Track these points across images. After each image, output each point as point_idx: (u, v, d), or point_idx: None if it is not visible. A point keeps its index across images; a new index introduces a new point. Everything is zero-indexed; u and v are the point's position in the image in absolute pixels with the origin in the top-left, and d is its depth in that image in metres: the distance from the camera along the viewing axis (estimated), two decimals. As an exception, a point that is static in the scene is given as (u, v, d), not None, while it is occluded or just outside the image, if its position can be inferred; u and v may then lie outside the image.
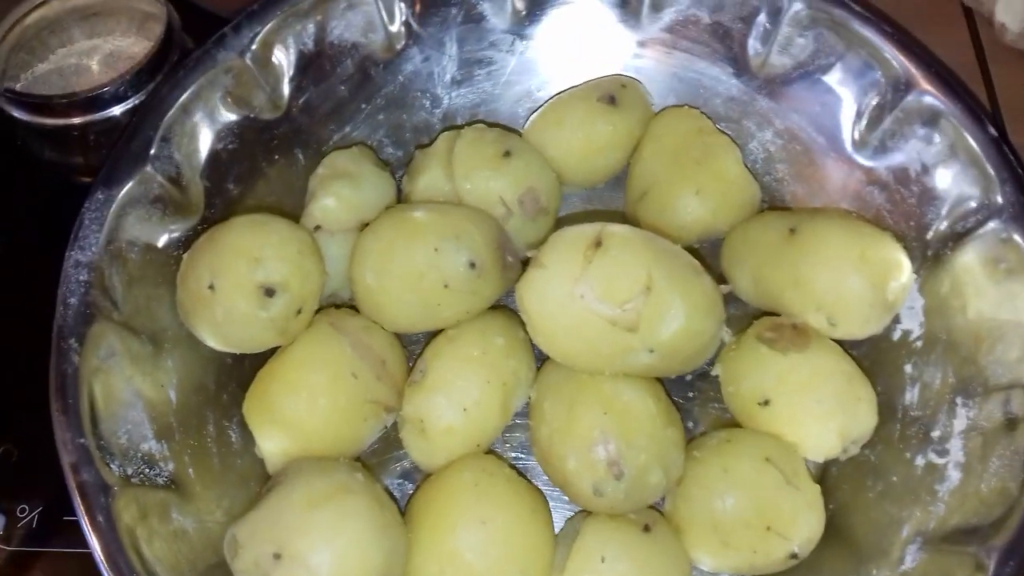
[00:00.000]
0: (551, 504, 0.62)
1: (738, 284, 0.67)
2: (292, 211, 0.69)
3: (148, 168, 0.62)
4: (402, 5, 0.71)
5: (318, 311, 0.63)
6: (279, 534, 0.51)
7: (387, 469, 0.66)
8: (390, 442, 0.65)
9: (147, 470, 0.57)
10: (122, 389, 0.58)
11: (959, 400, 0.59)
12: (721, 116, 0.73)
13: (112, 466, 0.55)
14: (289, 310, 0.59)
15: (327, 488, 0.53)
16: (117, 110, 0.72)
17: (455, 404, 0.60)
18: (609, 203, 0.75)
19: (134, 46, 0.78)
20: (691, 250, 0.66)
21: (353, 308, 0.65)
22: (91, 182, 0.61)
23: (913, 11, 0.79)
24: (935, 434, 0.59)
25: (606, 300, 0.55)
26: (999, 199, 0.60)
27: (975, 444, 0.57)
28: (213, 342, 0.61)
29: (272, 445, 0.59)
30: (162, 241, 0.63)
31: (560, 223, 0.70)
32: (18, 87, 0.75)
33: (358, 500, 0.53)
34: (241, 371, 0.64)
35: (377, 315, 0.62)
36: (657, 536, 0.57)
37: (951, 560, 0.54)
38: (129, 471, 0.56)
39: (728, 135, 0.71)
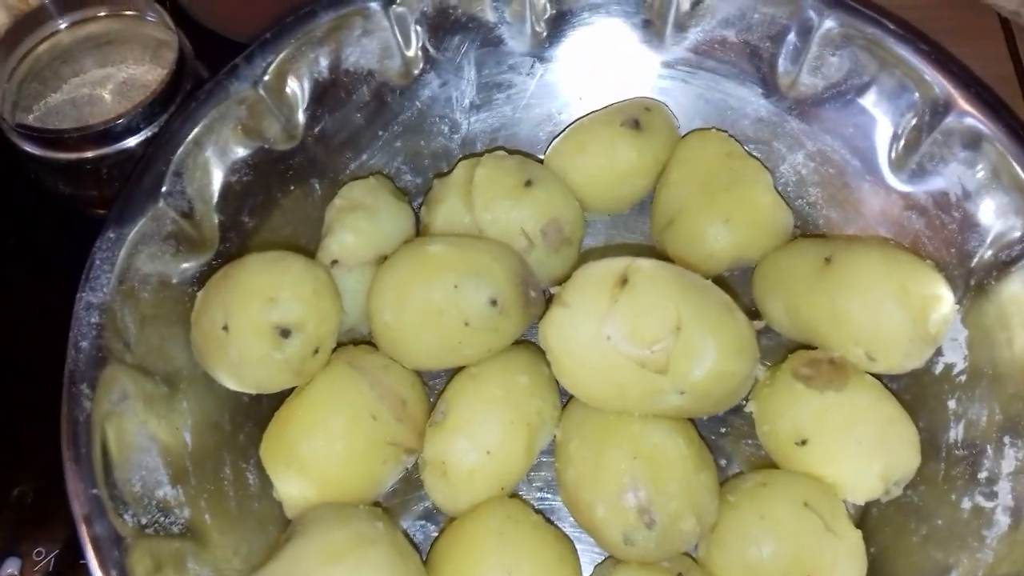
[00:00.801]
0: (580, 547, 0.60)
1: (771, 315, 0.65)
2: (309, 242, 0.67)
3: (160, 204, 0.60)
4: (419, 29, 0.69)
5: (336, 348, 0.61)
6: (297, 589, 0.50)
7: (408, 510, 0.64)
8: (411, 482, 0.63)
9: (162, 518, 0.55)
10: (136, 434, 0.56)
11: (1007, 439, 0.56)
12: (750, 138, 0.71)
13: (126, 516, 0.53)
14: (305, 351, 0.57)
15: (346, 540, 0.51)
16: (131, 142, 0.70)
17: (478, 446, 0.58)
18: (634, 228, 0.73)
19: (147, 74, 0.76)
20: (720, 279, 0.65)
21: (372, 344, 0.63)
22: (104, 215, 0.59)
23: (948, 25, 0.76)
24: (982, 475, 0.57)
25: (634, 341, 0.52)
26: (1045, 226, 0.57)
27: (1025, 487, 0.54)
28: (229, 383, 0.59)
29: (290, 489, 0.58)
30: (176, 278, 0.61)
31: (584, 255, 0.67)
32: (31, 118, 0.74)
33: (378, 552, 0.51)
34: (259, 410, 0.63)
35: (396, 353, 0.60)
36: (690, 585, 0.54)
37: (1001, 613, 0.51)
38: (143, 520, 0.54)
39: (758, 158, 0.69)
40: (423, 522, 0.64)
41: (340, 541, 0.51)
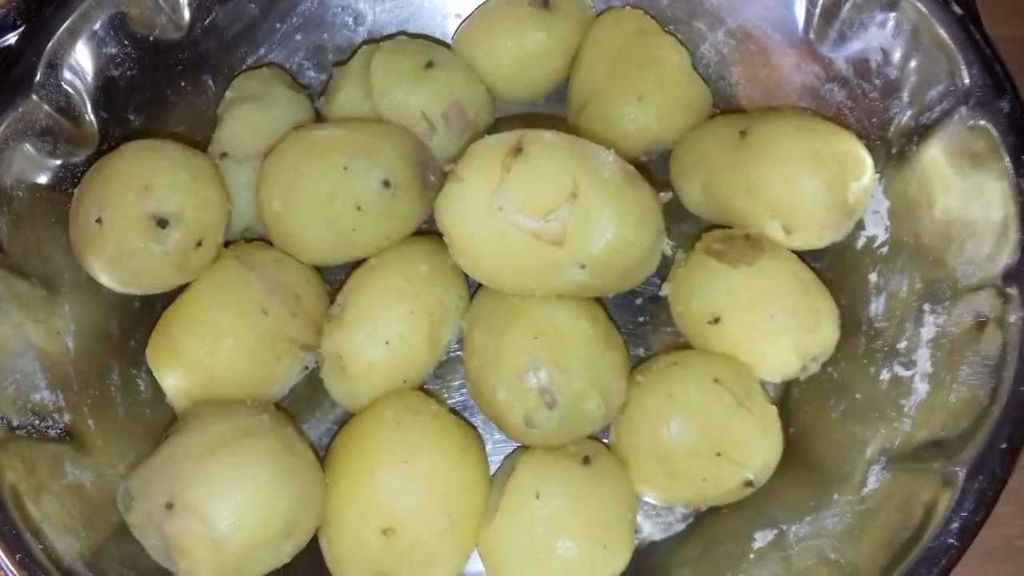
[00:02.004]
0: (492, 444, 0.57)
1: (688, 196, 0.62)
2: (203, 142, 0.64)
3: (33, 97, 0.56)
4: (311, -90, 0.65)
5: (228, 245, 0.58)
6: (172, 484, 0.47)
7: (317, 414, 0.62)
8: (320, 385, 0.60)
9: (37, 421, 0.52)
10: (9, 337, 0.53)
11: (927, 307, 0.54)
12: (668, 18, 0.67)
13: (-5, 418, 0.50)
14: (186, 242, 0.54)
15: (226, 432, 0.49)
16: (9, 39, 0.65)
17: (376, 338, 0.55)
18: (550, 121, 0.69)
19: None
20: (637, 164, 0.61)
21: (268, 242, 0.59)
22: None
23: None
24: (901, 345, 0.54)
25: (528, 211, 0.49)
26: (966, 82, 0.55)
27: (943, 352, 0.52)
28: (108, 281, 0.56)
29: (176, 387, 0.55)
30: (54, 177, 0.58)
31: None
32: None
33: (261, 444, 0.49)
34: (152, 316, 0.59)
35: (289, 245, 0.57)
36: (598, 468, 0.52)
37: (916, 478, 0.49)
38: (16, 423, 0.51)
39: (675, 36, 0.65)
40: (332, 426, 0.61)
41: (220, 433, 0.49)
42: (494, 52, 0.64)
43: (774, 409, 0.53)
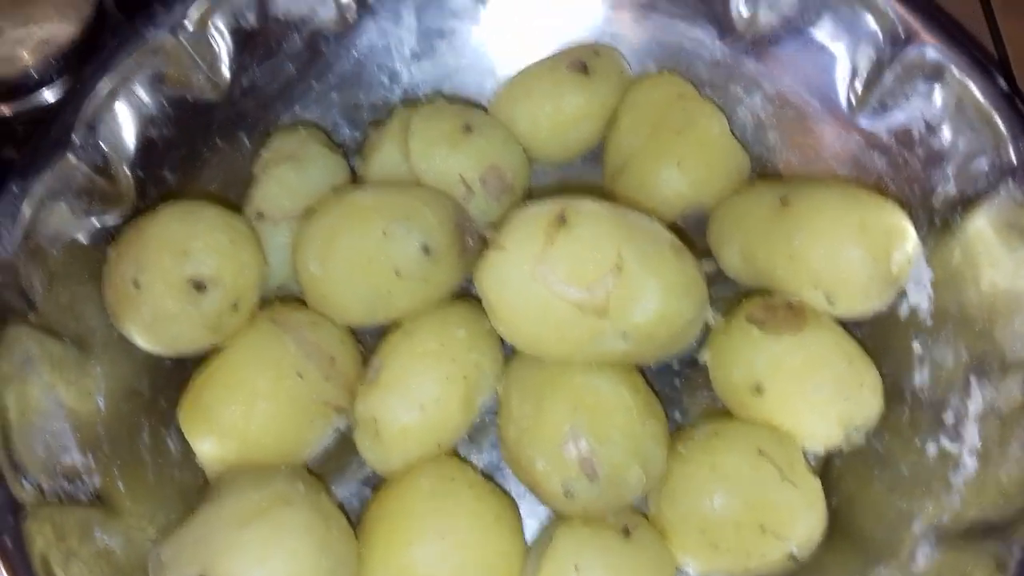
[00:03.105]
0: (526, 509, 0.56)
1: (728, 262, 0.61)
2: (238, 200, 0.63)
3: (70, 157, 0.57)
4: (352, -25, 0.65)
5: (263, 306, 0.58)
6: (206, 554, 0.46)
7: (346, 475, 0.60)
8: (350, 445, 0.59)
9: (67, 485, 0.51)
10: (41, 398, 0.52)
11: (973, 380, 0.53)
12: (705, 82, 0.67)
13: (25, 482, 0.49)
14: (223, 305, 0.53)
15: (261, 501, 0.48)
16: (48, 97, 0.66)
17: (411, 402, 0.54)
18: (586, 179, 0.69)
19: (69, 30, 0.72)
20: (674, 228, 0.61)
21: (303, 302, 0.59)
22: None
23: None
24: (948, 418, 0.53)
25: (572, 282, 0.49)
26: (1012, 158, 0.54)
27: (992, 428, 0.51)
28: (144, 343, 0.55)
29: (210, 452, 0.54)
30: (89, 235, 0.58)
31: (530, 200, 0.64)
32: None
33: (296, 514, 0.48)
34: (182, 375, 0.58)
35: (325, 307, 0.57)
36: (638, 540, 0.51)
37: (968, 558, 0.48)
38: (46, 487, 0.50)
39: (713, 101, 0.65)
40: (361, 487, 0.60)
41: (255, 502, 0.48)
42: (532, 115, 0.64)
43: (818, 482, 0.52)
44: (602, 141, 0.67)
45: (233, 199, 0.63)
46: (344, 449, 0.59)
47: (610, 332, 0.50)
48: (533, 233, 0.50)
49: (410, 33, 0.69)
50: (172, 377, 0.59)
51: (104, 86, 0.58)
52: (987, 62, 0.57)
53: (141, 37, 0.60)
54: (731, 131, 0.64)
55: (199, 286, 0.53)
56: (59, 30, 0.72)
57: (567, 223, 0.50)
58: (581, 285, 0.49)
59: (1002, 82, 0.56)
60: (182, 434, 0.56)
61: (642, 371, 0.56)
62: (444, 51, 0.70)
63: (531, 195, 0.64)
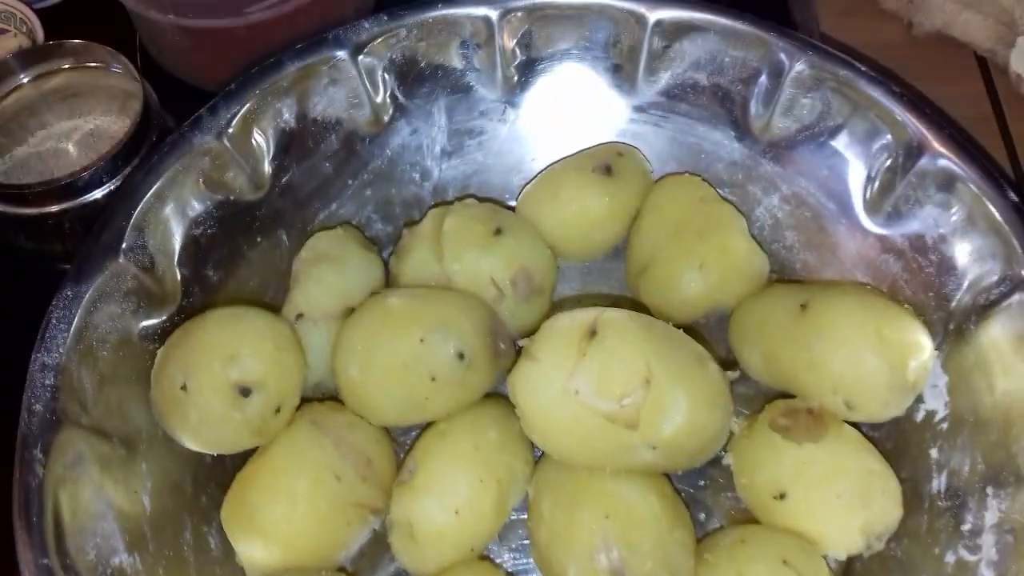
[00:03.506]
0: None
1: (749, 363, 0.63)
2: (276, 294, 0.66)
3: (120, 260, 0.59)
4: (387, 77, 0.68)
5: (302, 405, 0.60)
6: (253, 664, 0.47)
7: (379, 570, 0.62)
8: (382, 543, 0.60)
9: (116, 587, 0.53)
10: (91, 499, 0.54)
11: (990, 490, 0.55)
12: (724, 182, 0.69)
13: (78, 586, 0.51)
14: (267, 409, 0.56)
15: (306, 608, 0.49)
16: (95, 195, 0.69)
17: (446, 505, 0.56)
18: (609, 275, 0.71)
19: (114, 125, 0.75)
20: (696, 328, 0.63)
21: (339, 400, 0.61)
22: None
23: (925, 65, 0.76)
24: (966, 527, 0.55)
25: (603, 395, 0.51)
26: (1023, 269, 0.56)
27: (1009, 540, 0.52)
28: (189, 444, 0.57)
29: (252, 554, 0.56)
30: (137, 335, 0.60)
31: (557, 304, 0.66)
32: (-3, 173, 0.73)
33: (338, 621, 0.49)
34: (223, 470, 0.61)
35: (362, 409, 0.59)
36: (667, 649, 0.52)
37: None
38: (96, 590, 0.52)
39: (732, 203, 0.68)
40: (394, 583, 0.62)
41: (300, 610, 0.49)
42: (559, 216, 0.67)
43: (841, 591, 0.54)
44: (626, 240, 0.69)
45: (271, 295, 0.66)
46: (376, 547, 0.60)
47: (639, 443, 0.52)
48: (566, 345, 0.52)
49: (441, 132, 0.71)
50: (212, 473, 0.61)
51: (153, 190, 0.61)
52: (998, 175, 0.59)
53: (188, 141, 0.62)
54: (750, 233, 0.66)
55: (245, 391, 0.55)
56: (105, 124, 0.76)
57: (597, 335, 0.52)
58: (611, 398, 0.51)
59: (1012, 195, 0.58)
60: (222, 531, 0.58)
61: (669, 476, 0.57)
62: (473, 149, 0.72)
63: (558, 305, 0.66)
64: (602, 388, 0.51)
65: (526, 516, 0.59)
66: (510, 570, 0.60)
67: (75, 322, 0.56)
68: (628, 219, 0.68)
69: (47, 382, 0.55)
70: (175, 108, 0.77)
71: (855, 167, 0.64)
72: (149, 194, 0.61)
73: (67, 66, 0.75)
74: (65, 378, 0.55)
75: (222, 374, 0.54)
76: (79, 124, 0.77)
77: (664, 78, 0.69)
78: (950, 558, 0.55)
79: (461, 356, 0.56)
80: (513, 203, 0.71)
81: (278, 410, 0.56)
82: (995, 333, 0.57)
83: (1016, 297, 0.56)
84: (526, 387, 0.53)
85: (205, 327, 0.56)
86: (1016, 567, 0.51)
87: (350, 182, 0.70)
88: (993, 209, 0.58)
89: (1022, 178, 0.76)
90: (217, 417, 0.55)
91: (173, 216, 0.62)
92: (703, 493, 0.63)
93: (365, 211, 0.71)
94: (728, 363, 0.61)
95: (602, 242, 0.69)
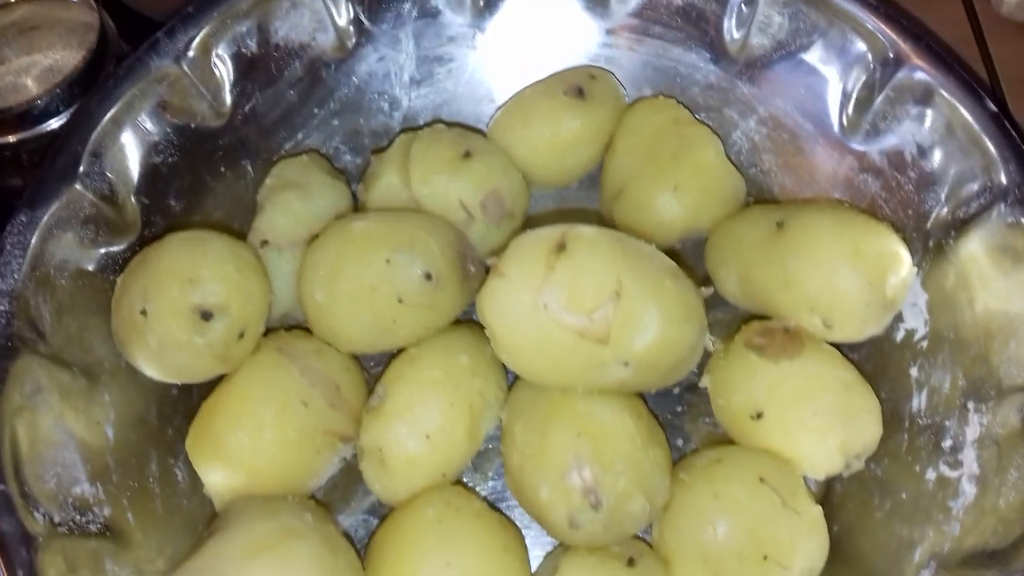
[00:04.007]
0: (531, 537, 0.57)
1: (725, 286, 0.62)
2: (242, 226, 0.64)
3: (77, 186, 0.57)
4: (349, 4, 0.66)
5: (268, 333, 0.58)
6: (216, 587, 0.46)
7: (352, 504, 0.61)
8: (355, 473, 0.59)
9: (78, 517, 0.52)
10: (51, 428, 0.53)
11: (971, 405, 0.54)
12: (700, 105, 0.68)
13: (37, 514, 0.50)
14: (229, 335, 0.54)
15: (270, 533, 0.48)
16: (52, 125, 0.67)
17: (416, 431, 0.54)
18: (583, 203, 0.70)
19: (73, 59, 0.72)
20: (672, 251, 0.62)
21: (307, 329, 0.60)
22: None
23: (904, -14, 0.74)
24: (946, 444, 0.54)
25: (572, 309, 0.49)
26: (1003, 180, 0.55)
27: (990, 454, 0.52)
28: (151, 372, 0.56)
29: (218, 482, 0.54)
30: (96, 264, 0.58)
31: (528, 226, 0.64)
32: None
33: (304, 545, 0.48)
34: (189, 403, 0.59)
35: (329, 335, 0.57)
36: (643, 570, 0.51)
37: (968, 587, 0.48)
38: (57, 519, 0.50)
39: (708, 125, 0.66)
40: (367, 516, 0.61)
41: (263, 534, 0.48)
42: (530, 141, 0.65)
43: (819, 509, 0.53)
44: (599, 165, 0.68)
45: (237, 227, 0.64)
46: (350, 478, 0.59)
47: (611, 360, 0.50)
48: (534, 260, 0.51)
49: (409, 59, 0.69)
50: (179, 405, 0.60)
51: (109, 115, 0.59)
52: (976, 84, 0.58)
53: (145, 65, 0.60)
54: (726, 155, 0.65)
55: (206, 315, 0.53)
56: (64, 58, 0.73)
57: (567, 249, 0.51)
58: (581, 312, 0.50)
59: (991, 104, 0.57)
60: (189, 464, 0.56)
61: (644, 397, 0.56)
62: (442, 77, 0.71)
63: (530, 222, 0.64)
64: (571, 302, 0.49)
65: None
66: (488, 500, 0.59)
67: (30, 248, 0.55)
68: (602, 143, 0.67)
69: (2, 308, 0.53)
70: (136, 43, 0.75)
71: (832, 84, 0.63)
72: (105, 119, 0.59)
73: (22, -1, 0.73)
74: (21, 304, 0.54)
75: (182, 298, 0.53)
76: (38, 59, 0.74)
77: (637, -1, 0.67)
78: (931, 475, 0.54)
79: (428, 276, 0.55)
80: (485, 131, 0.69)
81: (241, 335, 0.55)
82: (974, 247, 0.56)
83: (995, 209, 0.55)
84: (494, 304, 0.51)
85: (165, 251, 0.55)
86: (998, 479, 0.50)
87: (316, 111, 0.68)
88: (971, 119, 0.57)
89: (1003, 101, 0.75)
90: (178, 342, 0.53)
91: (131, 142, 0.60)
92: (681, 419, 0.62)
93: (333, 141, 0.69)
94: (705, 283, 0.59)
95: (575, 167, 0.67)
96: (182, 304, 0.53)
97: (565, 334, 0.50)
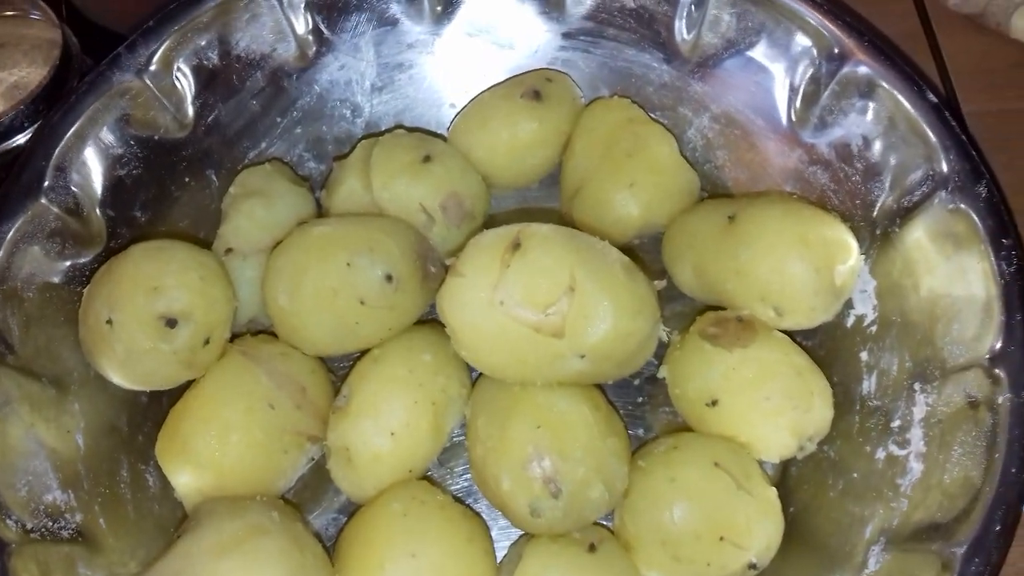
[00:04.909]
0: (499, 530, 0.58)
1: (681, 279, 0.64)
2: (208, 235, 0.65)
3: (42, 200, 0.58)
4: (308, 14, 0.67)
5: (235, 339, 0.60)
6: (186, 585, 0.47)
7: (323, 503, 0.62)
8: (325, 474, 0.61)
9: (51, 523, 0.53)
10: (21, 438, 0.54)
11: (917, 386, 0.55)
12: (655, 104, 0.70)
13: (9, 522, 0.51)
14: (195, 341, 0.55)
15: (238, 531, 0.49)
16: (18, 140, 0.68)
17: (381, 429, 0.56)
18: (545, 203, 0.71)
19: (37, 75, 0.73)
20: (629, 247, 0.63)
21: (273, 334, 0.61)
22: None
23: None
24: (895, 424, 0.56)
25: (528, 305, 0.51)
26: (944, 168, 0.57)
27: (936, 432, 0.53)
28: (119, 380, 0.57)
29: (187, 484, 0.55)
30: (63, 276, 0.59)
31: (489, 226, 0.66)
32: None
33: (272, 543, 0.49)
34: (158, 410, 0.60)
35: (294, 338, 0.58)
36: (604, 555, 0.53)
37: (916, 560, 0.50)
38: (30, 525, 0.52)
39: (662, 123, 0.68)
40: (337, 515, 0.62)
41: (231, 533, 0.49)
42: (489, 143, 0.66)
43: (774, 491, 0.54)
44: (558, 166, 0.69)
45: (203, 236, 0.65)
46: (320, 478, 0.60)
47: (568, 352, 0.52)
48: (489, 259, 0.52)
49: (370, 67, 0.71)
50: (148, 413, 0.61)
51: (73, 129, 0.60)
52: (917, 76, 0.60)
53: (107, 80, 0.61)
54: (681, 152, 0.66)
55: (170, 322, 0.54)
56: (29, 75, 0.73)
57: (521, 247, 0.52)
58: (537, 308, 0.51)
59: (931, 95, 0.59)
60: (160, 469, 0.57)
61: (603, 389, 0.58)
62: (403, 83, 0.72)
63: (491, 222, 0.66)
64: (527, 298, 0.51)
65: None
66: (455, 493, 0.61)
67: (-3, 263, 0.56)
68: (559, 144, 0.68)
69: (-31, 323, 0.54)
70: (99, 58, 0.76)
71: (780, 80, 0.65)
72: (69, 133, 0.60)
73: (-17, 17, 0.74)
74: (-12, 319, 0.55)
75: (147, 307, 0.54)
76: (2, 77, 0.74)
77: (590, 2, 0.69)
78: (880, 454, 0.56)
79: (389, 278, 0.56)
80: (444, 136, 0.70)
81: (207, 342, 0.56)
82: (918, 234, 0.58)
83: (937, 196, 0.57)
84: (452, 303, 0.53)
85: (129, 261, 0.56)
86: (943, 456, 0.52)
87: (279, 120, 0.70)
88: (912, 110, 0.58)
89: (952, 94, 0.77)
90: (144, 350, 0.54)
91: (95, 156, 0.61)
92: (642, 409, 0.64)
93: (297, 149, 0.71)
94: (662, 277, 0.61)
95: (534, 168, 0.68)
96: (147, 312, 0.54)
97: (522, 329, 0.51)
